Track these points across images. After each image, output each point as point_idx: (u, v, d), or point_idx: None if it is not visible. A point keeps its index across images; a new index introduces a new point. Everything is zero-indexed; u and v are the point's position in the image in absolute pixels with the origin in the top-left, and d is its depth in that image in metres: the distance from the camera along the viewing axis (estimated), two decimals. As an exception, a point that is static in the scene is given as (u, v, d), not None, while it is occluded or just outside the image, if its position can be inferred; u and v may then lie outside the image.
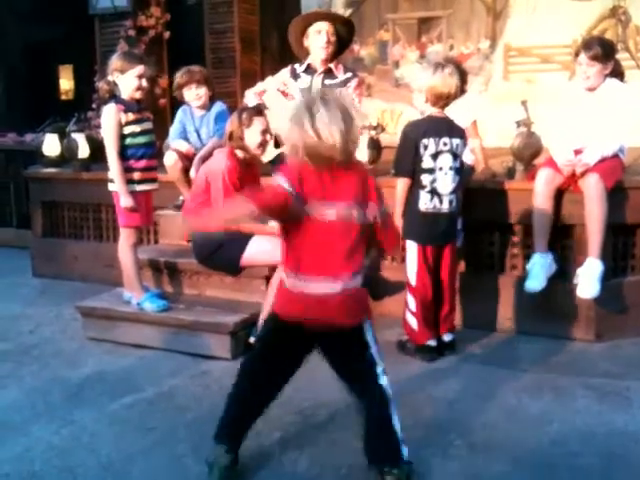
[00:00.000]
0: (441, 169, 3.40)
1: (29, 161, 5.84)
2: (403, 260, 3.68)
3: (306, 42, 4.23)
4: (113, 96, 3.75)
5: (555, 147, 3.72)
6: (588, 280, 3.49)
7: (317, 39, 4.16)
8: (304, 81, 4.24)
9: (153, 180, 3.87)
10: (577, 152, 3.63)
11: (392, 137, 3.84)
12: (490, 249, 4.00)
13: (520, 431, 2.78)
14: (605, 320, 3.72)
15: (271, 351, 2.43)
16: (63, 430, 2.87)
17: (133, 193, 3.73)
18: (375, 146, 4.28)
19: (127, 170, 3.72)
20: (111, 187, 3.80)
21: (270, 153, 3.60)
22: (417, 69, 5.93)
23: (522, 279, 3.68)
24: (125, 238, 3.83)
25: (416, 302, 3.49)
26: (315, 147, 2.20)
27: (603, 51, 3.62)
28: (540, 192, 3.64)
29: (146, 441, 2.77)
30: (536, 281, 3.60)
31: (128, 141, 3.72)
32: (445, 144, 3.40)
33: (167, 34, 6.81)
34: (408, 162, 3.43)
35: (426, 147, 3.39)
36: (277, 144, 3.80)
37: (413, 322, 3.52)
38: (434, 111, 3.44)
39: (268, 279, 3.64)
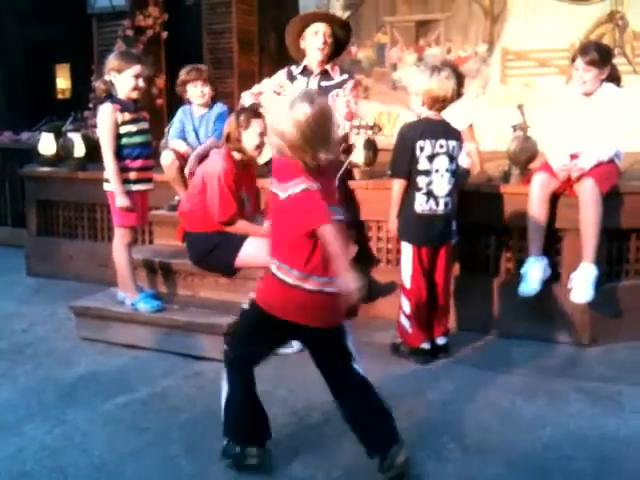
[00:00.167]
0: (437, 171, 3.41)
1: (25, 160, 5.82)
2: (397, 262, 3.68)
3: (303, 43, 4.23)
4: (110, 95, 3.74)
5: (551, 151, 3.73)
6: (582, 284, 3.50)
7: (314, 40, 4.16)
8: (300, 83, 4.24)
9: (149, 180, 3.86)
10: (573, 157, 3.63)
11: (389, 139, 3.84)
12: (485, 252, 4.00)
13: (514, 434, 2.78)
14: (599, 324, 3.72)
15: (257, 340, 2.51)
16: (56, 430, 2.86)
17: (129, 193, 3.72)
18: (371, 147, 4.26)
19: (123, 170, 3.72)
20: (106, 187, 3.79)
21: (266, 155, 3.59)
22: (414, 72, 5.92)
23: (517, 283, 3.68)
24: (120, 237, 3.82)
25: (410, 305, 3.49)
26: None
27: (600, 56, 3.62)
28: (535, 196, 3.65)
29: (139, 441, 2.76)
30: (531, 285, 3.61)
31: (124, 141, 3.72)
32: (441, 146, 3.41)
33: (165, 34, 6.81)
34: (404, 163, 3.43)
35: (422, 149, 3.39)
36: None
37: (407, 325, 3.52)
38: (431, 114, 3.45)
39: (263, 280, 3.63)
